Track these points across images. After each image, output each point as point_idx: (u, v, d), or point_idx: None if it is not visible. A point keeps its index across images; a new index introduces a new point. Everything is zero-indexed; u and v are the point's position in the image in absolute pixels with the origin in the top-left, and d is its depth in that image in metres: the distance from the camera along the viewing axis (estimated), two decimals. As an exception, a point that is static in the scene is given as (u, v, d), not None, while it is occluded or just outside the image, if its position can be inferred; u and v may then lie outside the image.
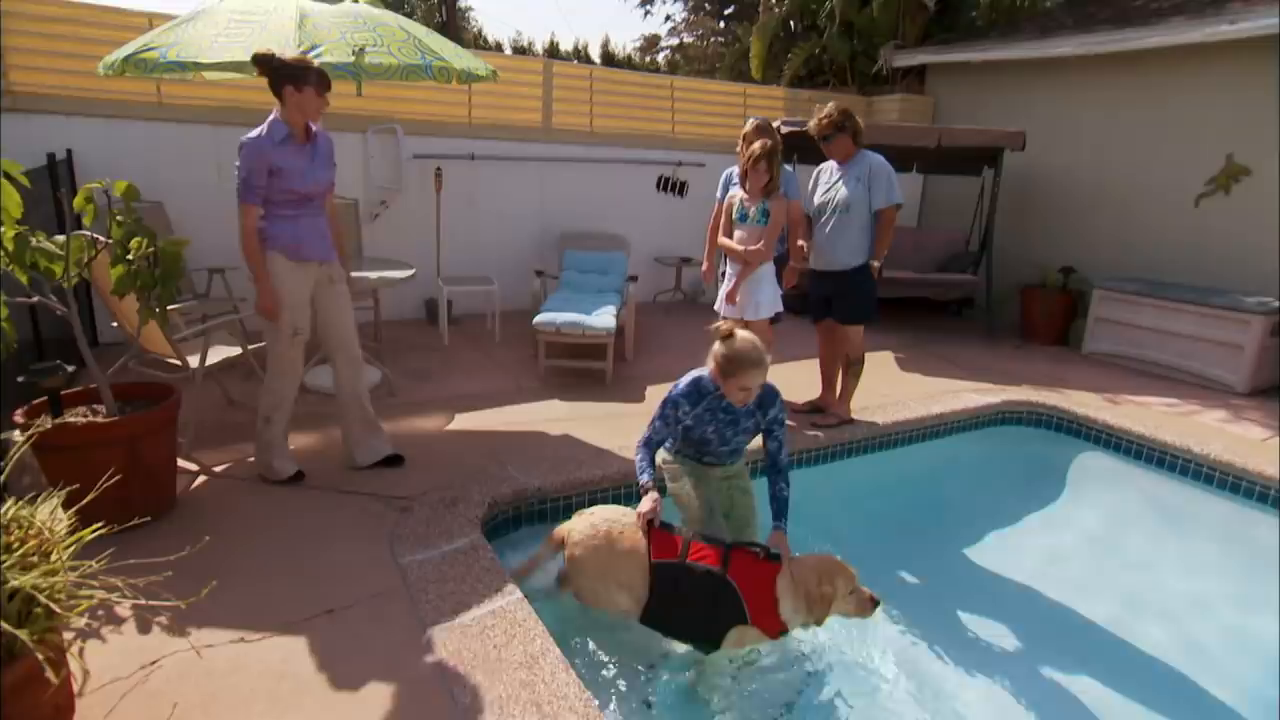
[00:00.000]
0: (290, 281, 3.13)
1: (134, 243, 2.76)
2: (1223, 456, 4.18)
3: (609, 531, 2.65)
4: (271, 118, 3.03)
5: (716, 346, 2.69)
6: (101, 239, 2.81)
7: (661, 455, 3.07)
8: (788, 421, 2.96)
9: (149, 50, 3.19)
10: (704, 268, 4.52)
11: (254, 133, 3.00)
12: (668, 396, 2.83)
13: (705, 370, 2.81)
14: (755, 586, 2.54)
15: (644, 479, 2.76)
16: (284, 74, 2.94)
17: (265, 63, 2.95)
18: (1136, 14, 6.92)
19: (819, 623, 2.59)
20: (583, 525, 2.71)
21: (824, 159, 4.33)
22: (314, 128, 3.13)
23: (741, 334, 2.67)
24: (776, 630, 2.57)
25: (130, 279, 2.77)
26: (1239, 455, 4.17)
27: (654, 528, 2.65)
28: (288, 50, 3.11)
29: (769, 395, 2.81)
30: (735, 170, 4.26)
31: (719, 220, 4.23)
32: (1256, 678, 2.93)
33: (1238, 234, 6.18)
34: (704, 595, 2.52)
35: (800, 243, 4.28)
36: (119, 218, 2.75)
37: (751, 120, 4.21)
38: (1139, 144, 6.79)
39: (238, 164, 3.00)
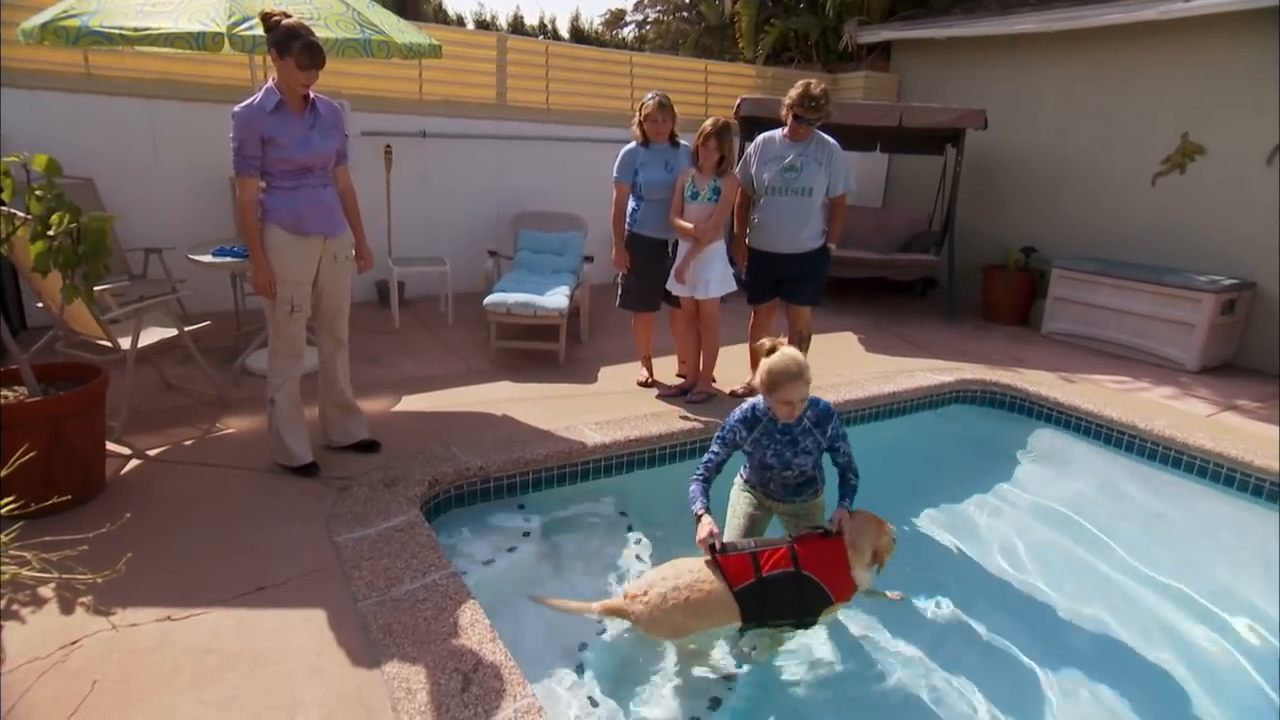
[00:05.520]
0: (290, 256, 3.03)
1: (54, 218, 2.69)
2: (1165, 432, 4.26)
3: (676, 602, 2.55)
4: (266, 85, 2.93)
5: (761, 364, 2.71)
6: (20, 215, 2.74)
7: (737, 483, 3.11)
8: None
9: (69, 18, 3.10)
10: (614, 255, 4.34)
11: (246, 101, 2.90)
12: (724, 425, 2.88)
13: (755, 398, 2.87)
14: (830, 568, 2.64)
15: (695, 506, 2.77)
16: (270, 39, 2.83)
17: (262, 21, 2.86)
18: (1096, -9, 6.94)
19: (880, 569, 2.79)
20: (644, 608, 2.57)
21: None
22: (313, 95, 3.01)
23: (783, 349, 2.69)
24: (852, 595, 2.71)
25: (51, 256, 2.70)
26: (1181, 430, 4.25)
27: (720, 555, 2.63)
28: (297, 14, 2.96)
29: (825, 413, 2.81)
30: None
31: (623, 204, 4.22)
32: (1200, 640, 3.02)
33: (1192, 212, 6.26)
34: (790, 596, 2.61)
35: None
36: (38, 193, 2.68)
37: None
38: (1098, 122, 6.85)
39: (231, 135, 2.89)
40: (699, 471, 2.86)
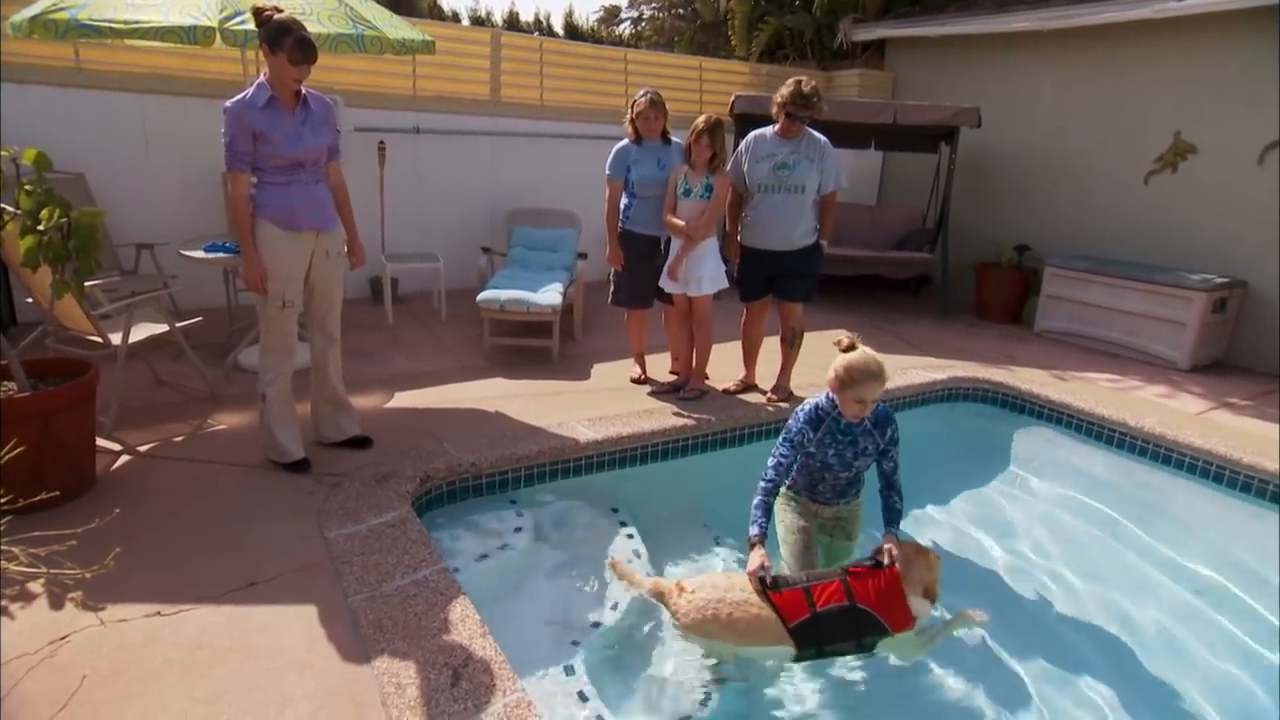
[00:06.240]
0: (282, 252, 3.02)
1: (44, 213, 2.68)
2: (1156, 430, 4.27)
3: (716, 614, 2.56)
4: (258, 80, 2.92)
5: (837, 359, 2.71)
6: (9, 210, 2.73)
7: (781, 493, 3.09)
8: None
9: (58, 10, 3.08)
10: (607, 253, 4.31)
11: (238, 96, 2.89)
12: (790, 427, 2.88)
13: (819, 397, 2.87)
14: (885, 601, 2.60)
15: (753, 531, 2.73)
16: (262, 34, 2.83)
17: (254, 16, 2.86)
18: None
19: (933, 600, 2.72)
20: (687, 605, 2.60)
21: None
22: (304, 91, 3.00)
23: (862, 348, 2.71)
24: (910, 625, 2.64)
25: (41, 251, 2.69)
26: (1171, 428, 4.27)
27: (772, 590, 2.59)
28: (289, 9, 2.97)
29: (886, 417, 2.85)
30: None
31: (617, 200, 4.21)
32: (1190, 631, 3.06)
33: (1184, 211, 6.29)
34: (847, 630, 2.58)
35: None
36: (28, 187, 2.67)
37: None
38: (1092, 121, 6.87)
39: (222, 130, 2.89)
40: (767, 477, 2.83)
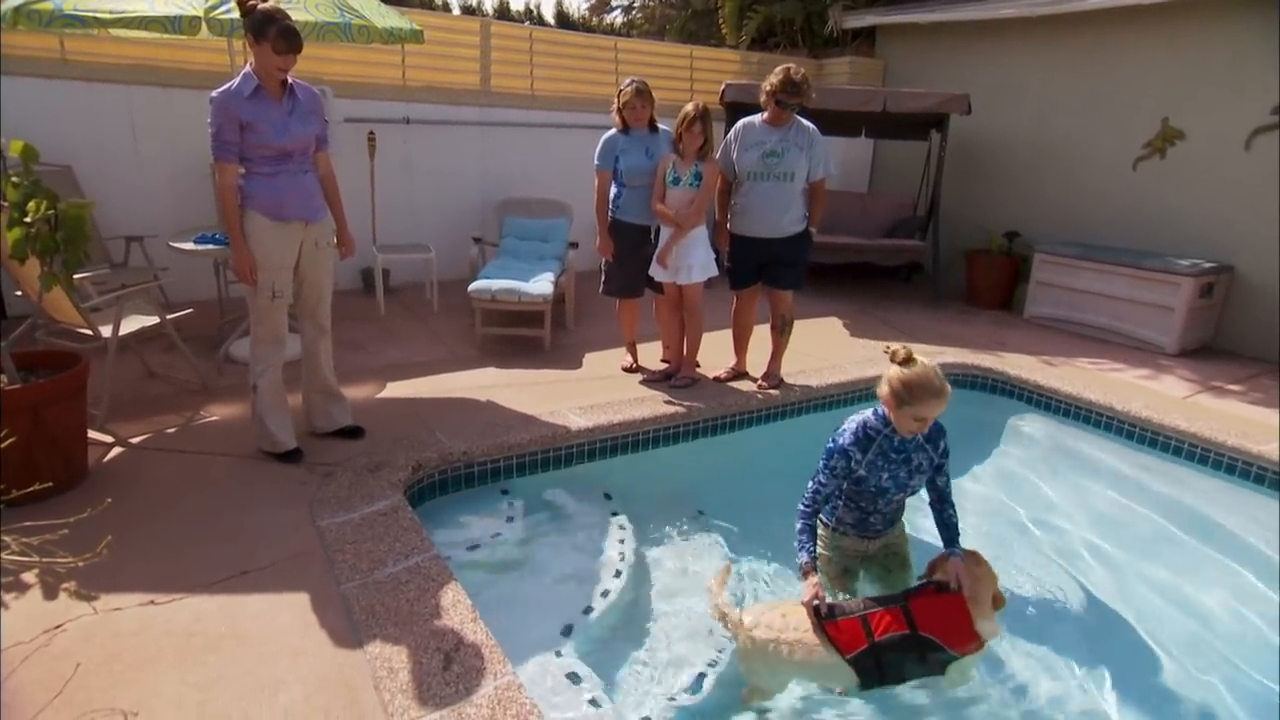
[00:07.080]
0: (270, 242, 3.02)
1: (32, 205, 2.68)
2: (1142, 414, 4.31)
3: (772, 653, 2.46)
4: (245, 70, 2.92)
5: (891, 371, 2.46)
6: (-4, 201, 2.73)
7: (822, 536, 2.86)
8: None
9: (43, 1, 3.06)
10: (597, 243, 4.33)
11: (224, 86, 2.90)
12: (832, 449, 2.64)
13: (863, 414, 2.66)
14: (950, 626, 2.47)
15: (803, 558, 2.55)
16: (247, 23, 2.83)
17: (239, 4, 2.86)
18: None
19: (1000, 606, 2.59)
20: (744, 639, 2.52)
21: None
22: (291, 81, 3.01)
23: (921, 360, 2.46)
24: (979, 646, 2.51)
25: (29, 243, 2.70)
26: (1158, 412, 4.31)
27: (828, 620, 2.45)
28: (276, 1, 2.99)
29: (938, 428, 2.62)
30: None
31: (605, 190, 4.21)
32: (1161, 609, 3.10)
33: (1172, 197, 6.31)
34: (909, 657, 2.44)
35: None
36: (14, 179, 2.67)
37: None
38: (1081, 107, 6.88)
39: (209, 120, 2.89)
40: (805, 505, 2.64)
